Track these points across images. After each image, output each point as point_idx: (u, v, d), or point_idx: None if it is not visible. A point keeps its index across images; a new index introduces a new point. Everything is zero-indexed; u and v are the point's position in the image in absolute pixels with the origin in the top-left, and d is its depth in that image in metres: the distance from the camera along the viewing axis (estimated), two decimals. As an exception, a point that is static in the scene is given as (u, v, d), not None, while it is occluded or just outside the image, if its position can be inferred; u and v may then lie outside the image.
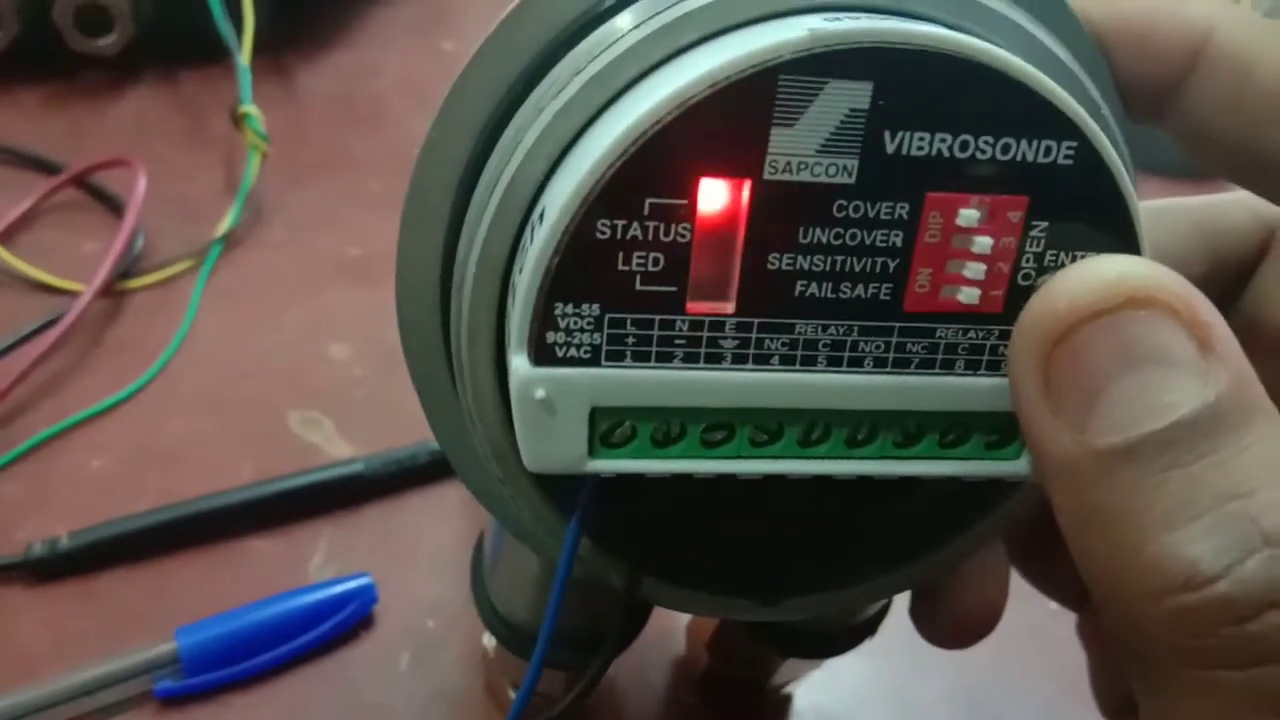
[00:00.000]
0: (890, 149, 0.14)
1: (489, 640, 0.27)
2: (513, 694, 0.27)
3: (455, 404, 0.18)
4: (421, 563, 0.32)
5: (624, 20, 0.15)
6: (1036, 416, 0.14)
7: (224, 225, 0.42)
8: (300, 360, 0.38)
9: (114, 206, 0.43)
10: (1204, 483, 0.12)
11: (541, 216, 0.14)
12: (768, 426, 0.16)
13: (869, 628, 0.25)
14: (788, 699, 0.30)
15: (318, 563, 0.32)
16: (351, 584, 0.29)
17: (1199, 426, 0.13)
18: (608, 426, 0.15)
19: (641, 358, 0.15)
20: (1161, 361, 0.13)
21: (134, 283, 0.40)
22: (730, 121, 0.14)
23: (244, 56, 0.46)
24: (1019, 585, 0.34)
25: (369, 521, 0.33)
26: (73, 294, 0.38)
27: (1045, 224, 0.15)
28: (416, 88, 0.54)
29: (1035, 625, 0.33)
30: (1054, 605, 0.34)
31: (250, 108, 0.44)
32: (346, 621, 0.29)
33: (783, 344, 0.15)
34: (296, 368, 0.38)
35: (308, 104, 0.51)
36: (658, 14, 0.14)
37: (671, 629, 0.31)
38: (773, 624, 0.25)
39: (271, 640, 0.28)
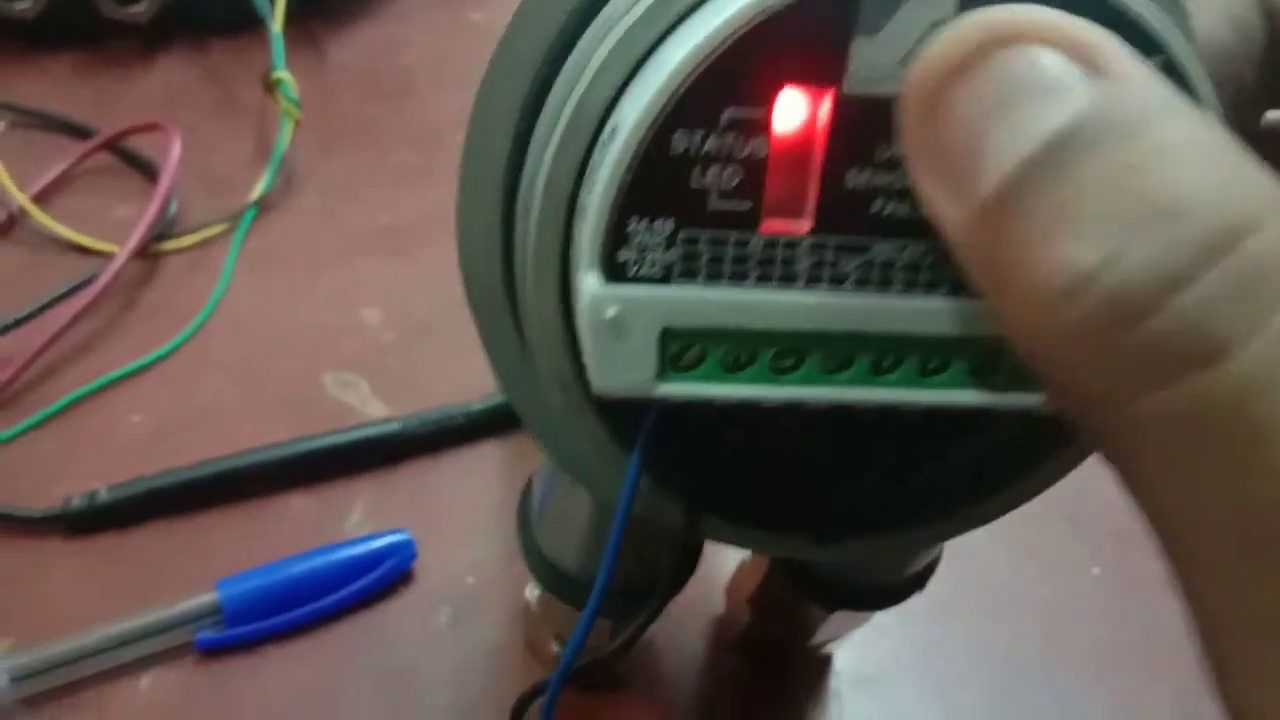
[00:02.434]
0: (973, 61, 0.14)
1: (531, 592, 0.27)
2: (555, 647, 0.26)
3: (516, 340, 0.18)
4: (459, 522, 0.32)
5: None
6: (934, 203, 0.12)
7: (258, 190, 0.42)
8: (334, 324, 0.38)
9: (146, 171, 0.43)
10: (1089, 192, 0.11)
11: (613, 133, 0.14)
12: (839, 353, 0.15)
13: (918, 581, 0.25)
14: (827, 659, 0.30)
15: (355, 520, 0.32)
16: (391, 539, 0.29)
17: (1080, 138, 0.11)
18: (677, 349, 0.15)
19: (714, 277, 0.15)
20: (1035, 92, 0.11)
21: (168, 245, 0.40)
22: (812, 30, 0.13)
23: (277, 23, 0.46)
24: (1057, 557, 0.34)
25: (406, 481, 0.33)
26: (106, 255, 0.38)
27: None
28: (445, 59, 0.54)
29: (1073, 593, 0.33)
30: (1095, 571, 0.34)
31: (284, 74, 0.44)
32: (386, 576, 0.29)
33: (858, 265, 0.15)
34: (331, 331, 0.38)
35: (337, 73, 0.51)
36: None
37: (710, 588, 0.30)
38: (821, 576, 0.25)
39: (312, 593, 0.28)
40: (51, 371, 0.35)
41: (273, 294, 0.39)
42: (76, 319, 0.35)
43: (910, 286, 0.15)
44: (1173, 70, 0.14)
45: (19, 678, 0.26)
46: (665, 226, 0.14)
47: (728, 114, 0.14)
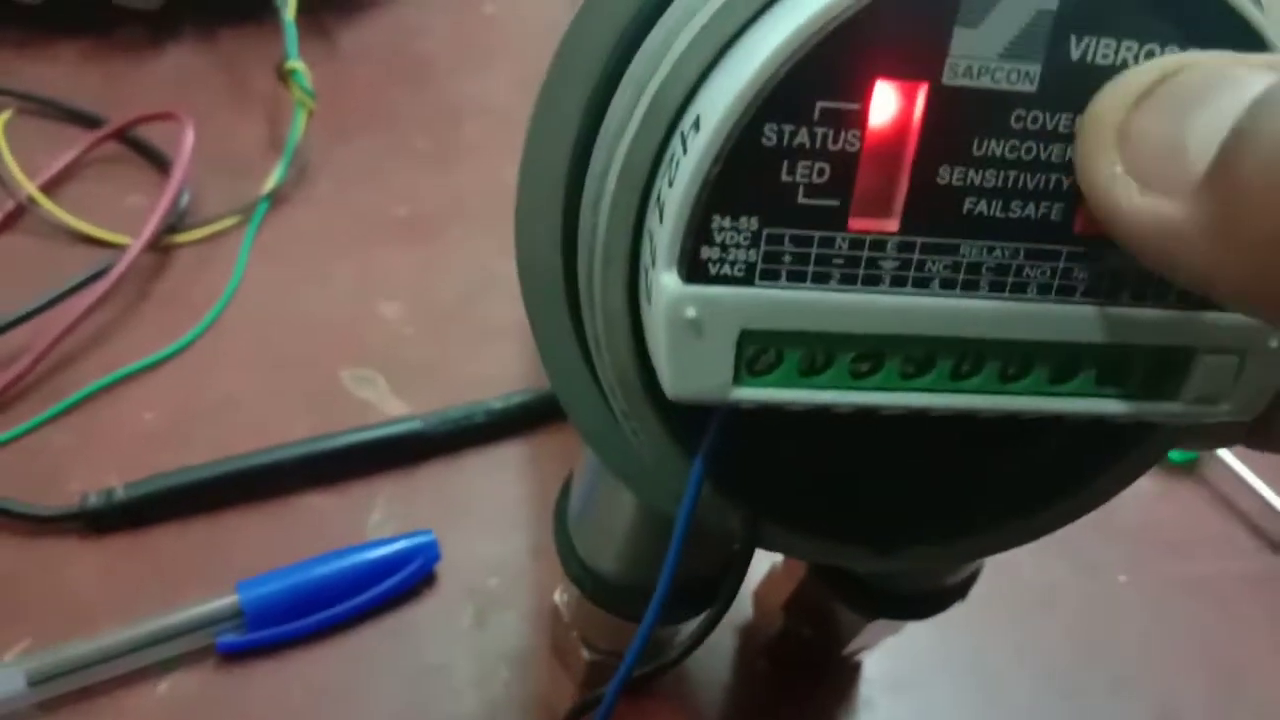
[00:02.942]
0: (1075, 56, 0.13)
1: (560, 596, 0.26)
2: (585, 653, 0.26)
3: (570, 334, 0.17)
4: (481, 522, 0.31)
5: None
6: (1133, 213, 0.12)
7: (271, 181, 0.41)
8: (351, 318, 0.37)
9: (156, 161, 0.43)
10: None
11: (697, 124, 0.14)
12: (918, 357, 0.15)
13: (959, 590, 0.24)
14: (858, 666, 0.29)
15: (376, 519, 0.31)
16: (415, 540, 0.29)
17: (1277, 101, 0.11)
18: (753, 352, 0.14)
19: (797, 278, 0.14)
20: (1222, 86, 0.12)
21: (181, 237, 0.39)
22: (912, 19, 0.13)
23: (289, 12, 0.45)
24: (1085, 563, 0.33)
25: (426, 480, 0.32)
26: (118, 247, 0.38)
27: (1225, 142, 0.14)
28: (458, 48, 0.53)
29: (1106, 595, 0.33)
30: (1123, 578, 0.33)
31: (297, 63, 0.43)
32: (410, 578, 0.28)
33: (945, 266, 0.14)
34: (347, 325, 0.37)
35: (350, 63, 0.51)
36: None
37: (739, 595, 0.30)
38: (863, 584, 0.24)
39: (335, 595, 0.27)
40: (64, 365, 0.34)
41: (288, 287, 0.38)
42: (89, 312, 0.34)
43: (997, 289, 0.14)
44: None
45: (36, 681, 0.25)
46: (750, 224, 0.14)
47: (821, 107, 0.13)
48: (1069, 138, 0.14)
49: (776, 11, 0.13)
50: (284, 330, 0.37)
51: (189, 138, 0.40)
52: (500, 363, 0.36)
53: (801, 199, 0.14)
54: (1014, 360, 0.15)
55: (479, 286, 0.39)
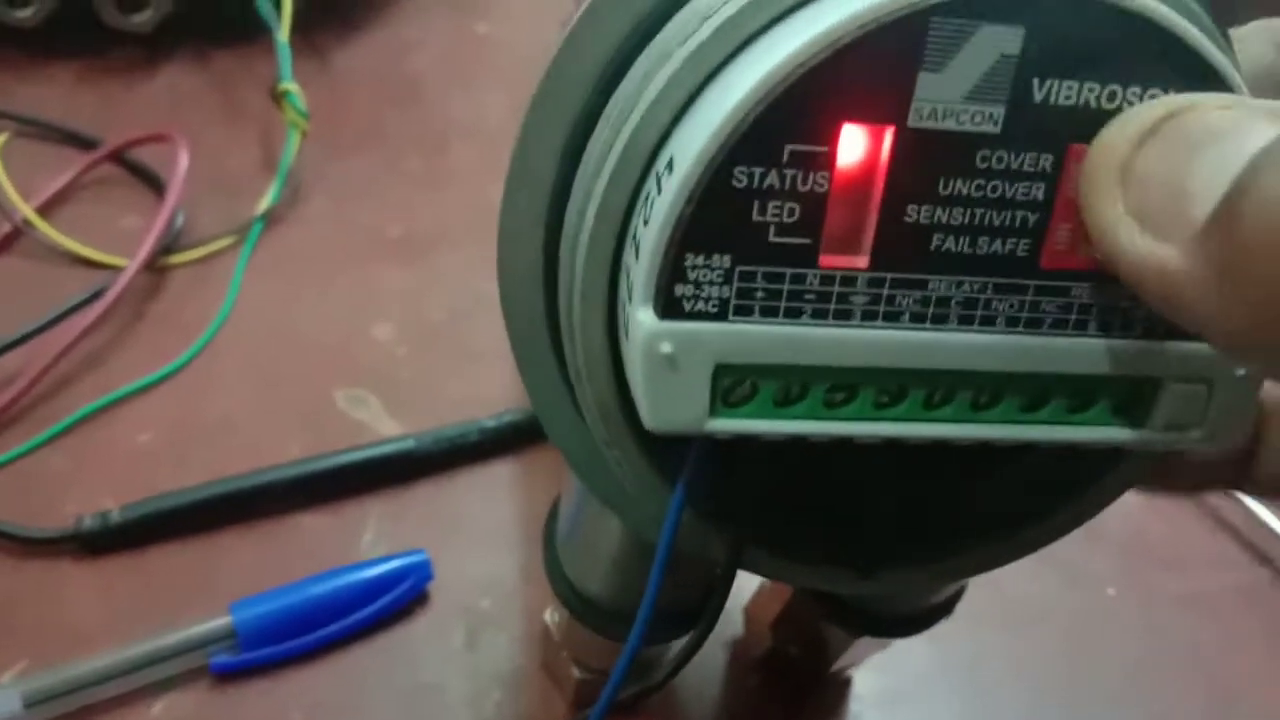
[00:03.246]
0: (1038, 97, 0.14)
1: (551, 616, 0.27)
2: (575, 671, 0.26)
3: (552, 364, 0.18)
4: (473, 541, 0.32)
5: None
6: (1132, 250, 0.13)
7: (265, 202, 0.42)
8: (344, 338, 0.38)
9: (151, 182, 0.43)
10: None
11: (670, 165, 0.14)
12: (891, 388, 0.15)
13: (945, 608, 0.25)
14: (848, 682, 0.30)
15: (368, 540, 0.31)
16: (407, 559, 0.29)
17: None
18: (729, 384, 0.15)
19: (770, 313, 0.14)
20: (1225, 133, 0.12)
21: (175, 259, 0.40)
22: (878, 65, 0.13)
23: (283, 33, 0.45)
24: (1075, 573, 0.33)
25: (419, 499, 0.33)
26: (113, 269, 0.38)
27: (1187, 179, 0.14)
28: (451, 68, 0.54)
29: (1099, 611, 0.33)
30: (1111, 591, 0.34)
31: (290, 85, 0.44)
32: (402, 598, 0.29)
33: (915, 301, 0.15)
34: (341, 346, 0.37)
35: (343, 83, 0.51)
36: None
37: (730, 609, 0.30)
38: (848, 603, 0.24)
39: (328, 615, 0.28)
40: (59, 387, 0.34)
41: (282, 307, 0.39)
42: (85, 334, 0.35)
43: (966, 322, 0.15)
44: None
45: (32, 703, 0.25)
46: (723, 262, 0.14)
47: (790, 149, 0.13)
48: (1034, 176, 0.14)
49: (747, 57, 0.14)
50: (278, 350, 0.37)
51: (183, 159, 0.41)
52: (492, 382, 0.36)
53: (773, 237, 0.14)
54: (985, 390, 0.15)
55: (470, 306, 0.39)
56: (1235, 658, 0.32)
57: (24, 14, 0.48)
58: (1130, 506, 0.19)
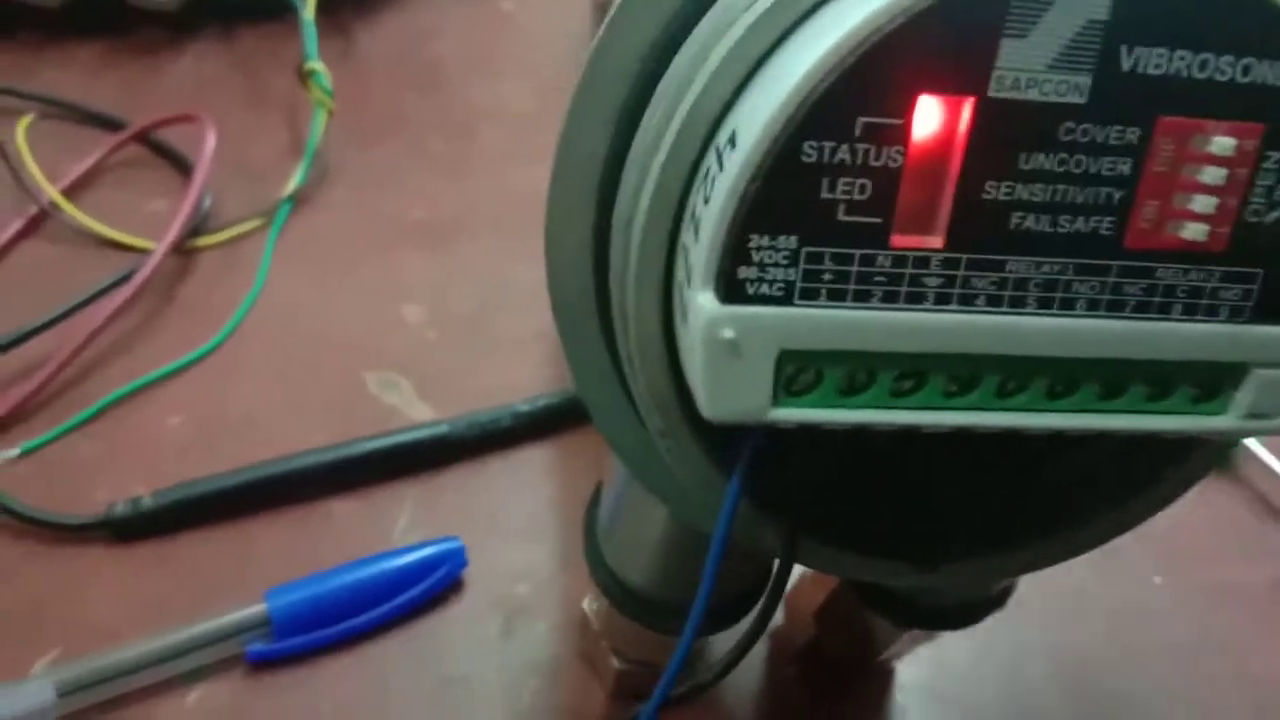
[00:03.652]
0: (1126, 66, 0.13)
1: (590, 604, 0.26)
2: (615, 661, 0.26)
3: (602, 349, 0.17)
4: (508, 527, 0.31)
5: None
6: None
7: (292, 184, 0.41)
8: (374, 321, 0.37)
9: (177, 163, 0.42)
10: None
11: (733, 139, 0.13)
12: (962, 375, 0.14)
13: (998, 600, 0.24)
14: (891, 673, 0.29)
15: (402, 526, 0.31)
16: (442, 546, 0.29)
17: None
18: (792, 371, 0.14)
19: (838, 296, 0.14)
20: None
21: (203, 241, 0.39)
22: (957, 32, 0.12)
23: (309, 11, 0.45)
24: (1118, 565, 0.33)
25: (453, 485, 0.32)
26: (140, 251, 0.37)
27: (1278, 155, 0.13)
28: (476, 49, 0.53)
29: (1142, 602, 0.32)
30: (1158, 580, 0.33)
31: (317, 64, 0.43)
32: (437, 585, 0.28)
33: (991, 283, 0.14)
34: (371, 329, 0.37)
35: (368, 64, 0.50)
36: None
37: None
38: (897, 595, 0.24)
39: (363, 603, 0.27)
40: (87, 372, 0.34)
41: (310, 290, 0.38)
42: (113, 318, 0.34)
43: (1045, 305, 0.14)
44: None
45: (65, 692, 0.25)
46: (789, 242, 0.13)
47: (863, 122, 0.13)
48: (1120, 150, 0.13)
49: (814, 25, 0.13)
50: (307, 334, 0.37)
51: (210, 140, 0.40)
52: (525, 366, 0.36)
53: (842, 216, 0.13)
54: (1061, 377, 0.15)
55: (500, 290, 0.38)
56: (1277, 647, 0.31)
57: (48, -5, 0.47)
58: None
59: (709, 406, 0.14)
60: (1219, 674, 0.30)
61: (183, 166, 0.42)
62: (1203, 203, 0.13)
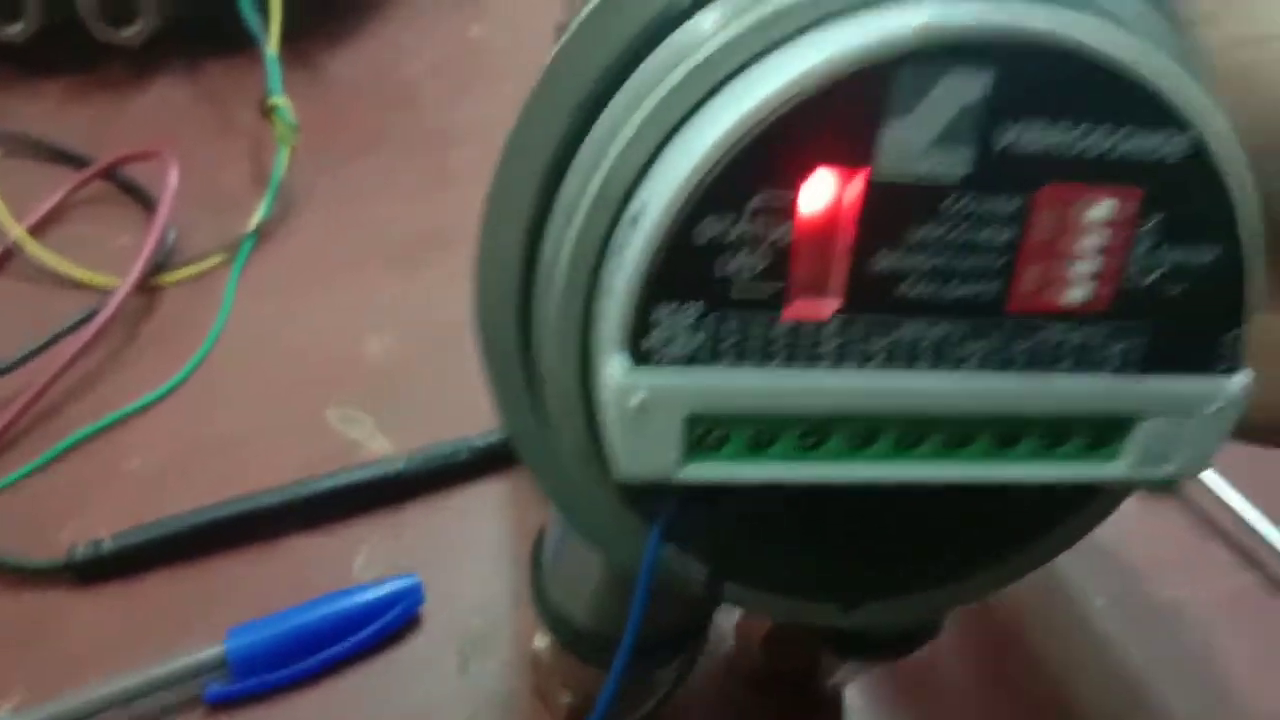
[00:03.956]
0: (1005, 142, 0.13)
1: (540, 642, 0.27)
2: (565, 697, 0.26)
3: (530, 402, 0.18)
4: (466, 561, 0.32)
5: (725, 8, 0.14)
6: None
7: (256, 218, 0.42)
8: (337, 354, 0.38)
9: (142, 199, 0.43)
10: None
11: (639, 216, 0.14)
12: (864, 430, 0.15)
13: (931, 630, 0.24)
14: (840, 697, 0.30)
15: (361, 562, 0.31)
16: (398, 584, 0.29)
17: None
18: (702, 431, 0.15)
19: (740, 359, 0.14)
20: None
21: (167, 277, 0.40)
22: (843, 114, 0.13)
23: (271, 46, 0.45)
24: (1061, 586, 0.33)
25: (411, 520, 0.33)
26: (105, 289, 0.38)
27: (1157, 218, 0.14)
28: (444, 73, 0.54)
29: (1083, 621, 0.33)
30: (1100, 602, 0.33)
31: (280, 99, 0.44)
32: (394, 623, 0.29)
33: (885, 345, 0.14)
34: (334, 362, 0.37)
35: (335, 92, 0.51)
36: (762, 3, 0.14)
37: (721, 625, 0.30)
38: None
39: (320, 642, 0.28)
40: (53, 411, 0.34)
41: (274, 325, 0.39)
42: (77, 357, 0.35)
43: (937, 364, 0.15)
44: (1202, 149, 0.14)
45: (27, 734, 0.25)
46: (692, 310, 0.14)
47: (757, 198, 0.13)
48: (1002, 219, 0.14)
49: (714, 106, 0.14)
50: (271, 369, 0.37)
51: (173, 177, 0.41)
52: (485, 396, 0.36)
53: (741, 286, 0.14)
54: (957, 430, 0.15)
55: (462, 318, 0.39)
56: (1230, 665, 0.32)
57: (13, 30, 0.48)
58: (1119, 514, 0.19)
59: (622, 467, 0.15)
60: (1169, 692, 0.31)
61: (148, 202, 0.42)
62: (1085, 266, 0.14)
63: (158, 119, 0.48)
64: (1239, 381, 0.15)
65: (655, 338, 0.14)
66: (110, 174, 0.44)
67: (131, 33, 0.48)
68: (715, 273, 0.14)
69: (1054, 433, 0.16)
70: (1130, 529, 0.35)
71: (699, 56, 0.14)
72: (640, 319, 0.14)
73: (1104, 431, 0.16)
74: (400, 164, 0.47)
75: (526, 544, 0.25)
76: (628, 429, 0.14)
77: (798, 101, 0.13)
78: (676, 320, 0.14)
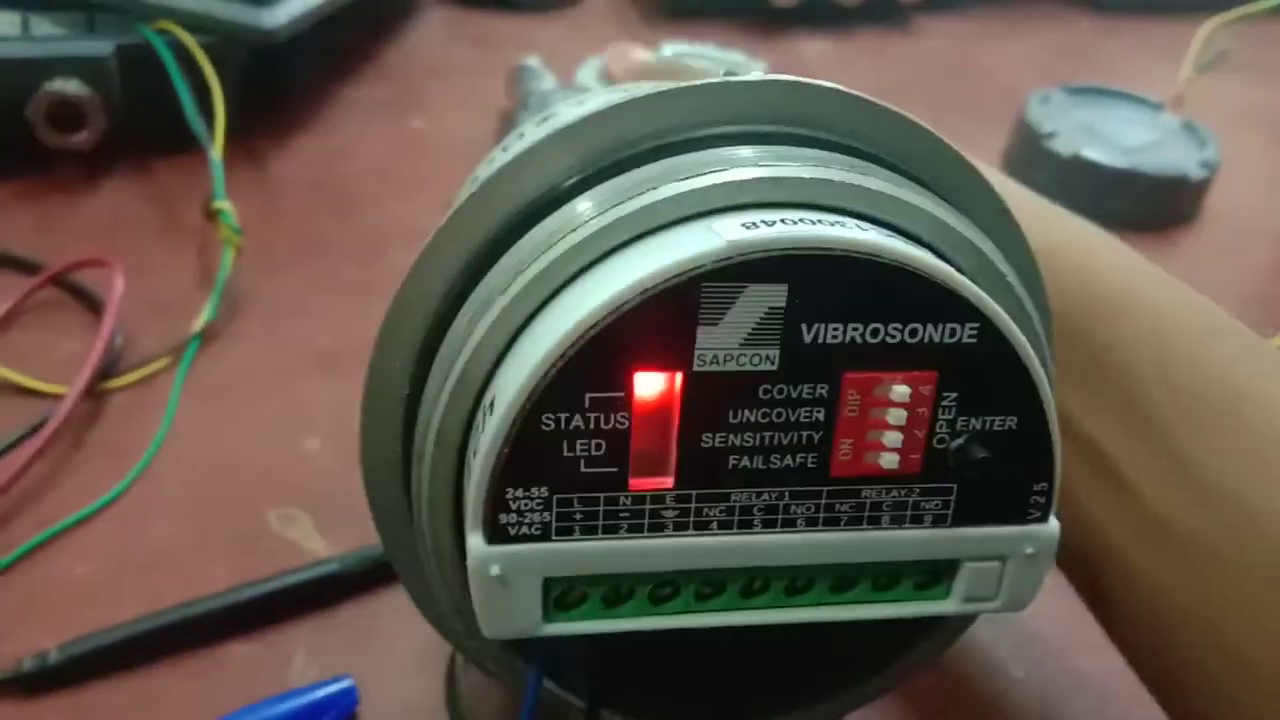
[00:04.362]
0: (807, 338, 0.15)
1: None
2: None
3: (416, 556, 0.19)
4: (400, 660, 0.33)
5: (579, 208, 0.16)
6: None
7: (201, 320, 0.43)
8: (277, 456, 0.39)
9: (91, 303, 0.44)
10: None
11: (492, 405, 0.16)
12: (711, 581, 0.17)
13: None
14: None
15: (299, 665, 0.33)
16: (332, 688, 0.30)
17: None
18: (559, 591, 0.16)
19: (589, 531, 0.16)
20: None
21: (114, 383, 0.41)
22: (660, 323, 0.15)
23: (216, 150, 0.47)
24: (979, 661, 0.35)
25: (347, 620, 0.34)
26: (53, 397, 0.39)
27: (955, 394, 0.16)
28: (388, 168, 0.56)
29: (999, 695, 0.34)
30: (1019, 674, 0.35)
31: (224, 203, 0.45)
32: (330, 725, 0.30)
33: (720, 510, 0.16)
34: (273, 463, 0.39)
35: (280, 191, 0.53)
36: (595, 216, 0.16)
37: None
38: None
39: (257, 750, 0.29)
40: (3, 520, 0.36)
41: (218, 427, 0.40)
42: (25, 468, 0.36)
43: (769, 525, 0.16)
44: (990, 332, 0.16)
45: None
46: (541, 492, 0.16)
47: (589, 396, 0.15)
48: (813, 402, 0.16)
49: (555, 309, 0.16)
50: (213, 472, 0.38)
51: (119, 284, 0.42)
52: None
53: (584, 468, 0.16)
54: (796, 578, 0.17)
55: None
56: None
57: (-37, 138, 0.49)
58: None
59: (487, 629, 0.16)
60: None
61: (96, 306, 0.44)
62: (893, 437, 0.16)
63: (106, 222, 0.50)
64: (1050, 527, 0.17)
65: (509, 516, 0.16)
66: (59, 280, 0.45)
67: (80, 138, 0.50)
68: (559, 459, 0.15)
69: (885, 576, 0.17)
70: (1047, 601, 0.36)
71: (537, 268, 0.16)
72: (494, 500, 0.16)
73: (933, 573, 0.17)
74: (342, 264, 0.48)
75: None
76: (489, 597, 0.16)
77: (619, 314, 0.15)
78: (527, 501, 0.16)
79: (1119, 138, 0.60)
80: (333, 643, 0.33)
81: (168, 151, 0.53)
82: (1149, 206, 0.58)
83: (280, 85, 0.60)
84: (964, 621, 0.20)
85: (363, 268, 0.48)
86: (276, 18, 0.51)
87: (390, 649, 0.33)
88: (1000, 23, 0.82)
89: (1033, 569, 0.17)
